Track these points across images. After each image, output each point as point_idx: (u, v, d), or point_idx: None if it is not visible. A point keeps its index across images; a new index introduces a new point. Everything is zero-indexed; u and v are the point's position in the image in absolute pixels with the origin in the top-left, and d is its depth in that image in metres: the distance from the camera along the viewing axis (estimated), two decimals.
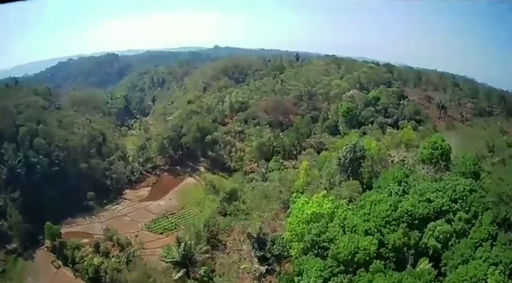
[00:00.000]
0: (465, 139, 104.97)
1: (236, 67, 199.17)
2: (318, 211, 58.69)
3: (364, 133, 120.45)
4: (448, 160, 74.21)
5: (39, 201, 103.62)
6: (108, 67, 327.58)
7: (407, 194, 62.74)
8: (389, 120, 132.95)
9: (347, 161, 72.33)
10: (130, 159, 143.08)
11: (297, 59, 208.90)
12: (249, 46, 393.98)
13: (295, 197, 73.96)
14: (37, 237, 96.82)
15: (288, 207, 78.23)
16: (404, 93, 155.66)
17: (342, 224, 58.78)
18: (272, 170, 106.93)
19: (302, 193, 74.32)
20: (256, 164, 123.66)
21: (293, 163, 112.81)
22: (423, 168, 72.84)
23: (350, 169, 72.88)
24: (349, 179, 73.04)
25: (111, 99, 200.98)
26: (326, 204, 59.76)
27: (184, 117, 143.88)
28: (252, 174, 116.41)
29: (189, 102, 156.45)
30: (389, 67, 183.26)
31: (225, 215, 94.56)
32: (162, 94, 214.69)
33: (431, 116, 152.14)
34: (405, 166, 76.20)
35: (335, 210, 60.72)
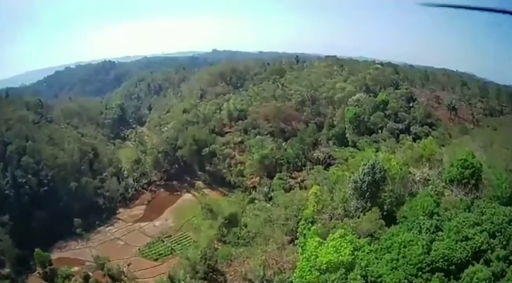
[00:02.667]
0: (486, 147, 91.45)
1: (233, 72, 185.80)
2: (335, 259, 45.79)
3: (375, 141, 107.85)
4: (478, 179, 61.26)
5: (29, 224, 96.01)
6: (105, 75, 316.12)
7: (441, 230, 50.15)
8: (400, 126, 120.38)
9: (365, 184, 59.55)
10: (125, 173, 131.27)
11: (297, 61, 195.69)
12: (248, 49, 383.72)
13: (304, 228, 61.25)
14: (29, 261, 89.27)
15: (296, 238, 65.92)
16: (413, 95, 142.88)
17: (364, 274, 45.98)
18: (276, 189, 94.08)
19: (312, 223, 61.57)
20: (258, 178, 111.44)
21: (299, 178, 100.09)
22: (451, 191, 60.04)
23: (368, 193, 60.11)
24: (366, 205, 60.17)
25: (106, 109, 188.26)
26: (345, 248, 46.84)
27: (179, 129, 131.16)
28: (254, 191, 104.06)
29: (184, 111, 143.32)
30: (395, 67, 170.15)
31: (224, 242, 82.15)
32: (158, 102, 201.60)
33: (441, 118, 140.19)
34: (430, 186, 63.34)
35: (355, 252, 47.87)
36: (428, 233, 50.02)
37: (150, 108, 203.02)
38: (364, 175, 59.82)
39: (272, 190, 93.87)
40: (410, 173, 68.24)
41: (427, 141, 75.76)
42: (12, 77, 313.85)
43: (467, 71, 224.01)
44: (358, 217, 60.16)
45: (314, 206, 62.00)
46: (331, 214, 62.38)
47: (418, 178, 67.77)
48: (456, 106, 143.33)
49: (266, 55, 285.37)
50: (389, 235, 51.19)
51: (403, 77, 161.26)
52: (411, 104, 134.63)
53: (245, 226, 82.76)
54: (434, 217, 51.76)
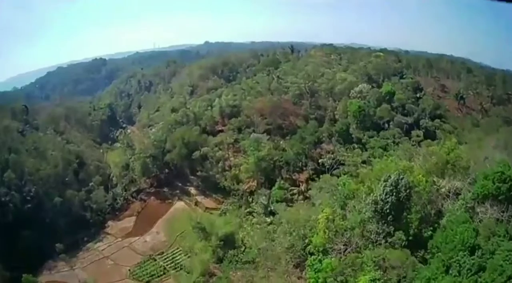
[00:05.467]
0: (506, 146, 78.32)
1: (225, 65, 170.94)
2: None
3: (384, 138, 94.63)
4: None
5: (17, 245, 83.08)
6: (96, 73, 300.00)
7: (483, 270, 38.92)
8: (409, 120, 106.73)
9: (388, 205, 46.62)
10: (114, 180, 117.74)
11: (292, 51, 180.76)
12: (240, 40, 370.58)
13: (315, 260, 48.29)
14: None
15: (303, 263, 53.49)
16: (419, 84, 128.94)
17: None
18: (277, 200, 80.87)
19: (323, 252, 48.74)
20: (255, 182, 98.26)
21: (302, 186, 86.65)
22: (486, 209, 47.76)
23: (390, 216, 47.19)
24: (389, 229, 47.38)
25: (94, 110, 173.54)
26: None
27: (167, 129, 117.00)
28: (251, 197, 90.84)
29: (172, 110, 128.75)
30: (396, 54, 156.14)
31: (221, 265, 69.29)
32: (148, 100, 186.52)
33: (449, 108, 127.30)
34: (460, 201, 50.68)
35: None
36: (470, 273, 38.92)
37: (139, 107, 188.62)
38: (386, 194, 46.70)
39: (272, 202, 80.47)
40: (435, 184, 55.51)
41: (451, 144, 62.19)
42: (7, 80, 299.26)
43: (462, 56, 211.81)
44: (380, 244, 47.55)
45: (325, 232, 49.03)
46: (346, 241, 49.48)
47: (444, 190, 55.39)
48: (464, 96, 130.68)
49: (259, 46, 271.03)
50: (424, 280, 38.52)
51: (406, 65, 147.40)
52: (418, 95, 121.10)
53: (243, 244, 70.35)
54: (476, 253, 39.92)
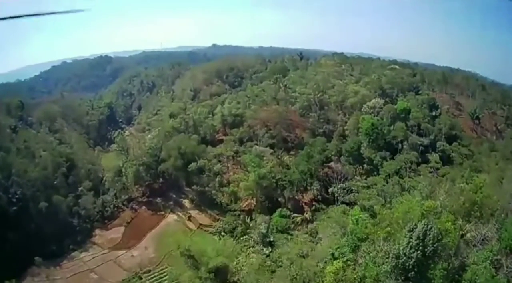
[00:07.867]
0: None
1: (231, 69, 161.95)
2: None
3: (401, 161, 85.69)
4: None
5: (4, 247, 77.12)
6: (101, 70, 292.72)
7: None
8: (425, 141, 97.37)
9: (412, 261, 37.83)
10: (106, 185, 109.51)
11: (301, 58, 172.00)
12: (249, 44, 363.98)
13: None
14: None
15: None
16: (435, 102, 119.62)
17: None
18: (277, 230, 71.80)
19: None
20: (254, 200, 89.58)
21: (305, 213, 77.58)
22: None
23: (413, 272, 38.38)
24: None
25: (92, 109, 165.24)
26: None
27: (164, 136, 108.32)
28: (249, 218, 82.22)
29: (171, 116, 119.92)
30: (410, 67, 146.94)
31: None
32: (149, 102, 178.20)
33: (464, 128, 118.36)
34: (487, 252, 41.62)
35: None
36: None
37: (140, 108, 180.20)
38: (410, 249, 37.74)
39: (272, 231, 71.26)
40: (461, 229, 46.57)
41: (479, 181, 53.16)
42: (14, 70, 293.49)
43: (469, 70, 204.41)
44: None
45: None
46: None
47: (469, 236, 46.61)
48: (479, 116, 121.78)
49: (267, 51, 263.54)
50: None
51: (421, 80, 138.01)
52: (434, 113, 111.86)
53: (236, 277, 61.55)
54: None
